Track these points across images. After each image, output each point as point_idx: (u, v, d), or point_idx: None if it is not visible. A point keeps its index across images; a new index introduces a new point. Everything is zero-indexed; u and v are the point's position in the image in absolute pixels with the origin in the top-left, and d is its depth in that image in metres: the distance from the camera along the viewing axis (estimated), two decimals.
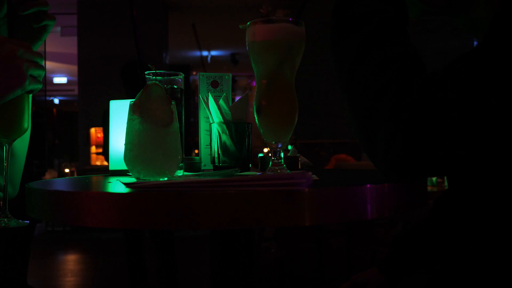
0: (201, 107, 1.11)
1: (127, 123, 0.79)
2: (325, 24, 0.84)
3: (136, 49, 0.85)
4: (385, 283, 1.04)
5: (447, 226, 0.93)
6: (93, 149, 6.75)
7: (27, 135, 1.03)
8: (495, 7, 0.74)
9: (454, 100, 0.63)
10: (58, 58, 9.63)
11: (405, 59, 0.70)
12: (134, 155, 0.77)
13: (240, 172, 0.95)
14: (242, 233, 0.89)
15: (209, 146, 1.08)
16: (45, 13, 0.90)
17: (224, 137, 0.97)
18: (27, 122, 0.89)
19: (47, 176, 6.51)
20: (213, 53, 10.66)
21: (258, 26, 0.76)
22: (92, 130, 6.75)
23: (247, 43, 0.78)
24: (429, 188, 3.57)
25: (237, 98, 1.04)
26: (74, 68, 7.90)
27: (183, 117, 1.02)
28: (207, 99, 1.02)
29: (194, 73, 11.78)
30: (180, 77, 1.02)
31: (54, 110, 16.21)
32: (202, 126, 1.11)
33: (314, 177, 0.79)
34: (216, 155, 0.98)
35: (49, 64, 9.98)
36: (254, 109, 0.78)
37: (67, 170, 7.59)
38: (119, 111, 1.05)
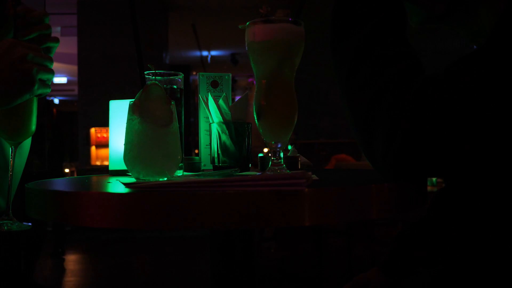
0: (201, 107, 1.11)
1: (127, 123, 0.79)
2: (325, 24, 0.84)
3: (136, 49, 0.85)
4: (386, 283, 1.04)
5: (444, 223, 0.93)
6: (93, 149, 6.75)
7: (25, 151, 1.02)
8: (497, 15, 0.74)
9: (454, 101, 0.63)
10: (58, 58, 9.63)
11: (404, 60, 0.70)
12: (133, 155, 0.77)
13: (240, 172, 0.95)
14: (242, 233, 0.89)
15: (209, 146, 1.08)
16: (48, 36, 0.91)
17: (224, 137, 0.97)
18: (34, 126, 0.89)
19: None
20: (213, 53, 10.66)
21: (258, 26, 0.76)
22: (92, 130, 6.75)
23: (246, 43, 0.78)
24: (429, 188, 3.56)
25: (237, 98, 1.04)
26: (74, 68, 7.91)
27: (183, 117, 1.02)
28: (207, 99, 1.02)
29: (194, 73, 11.78)
30: (180, 77, 1.02)
31: (54, 110, 16.19)
32: (202, 126, 1.11)
33: (314, 177, 0.79)
34: (216, 155, 0.98)
35: None
36: (254, 109, 0.78)
37: (67, 170, 7.59)
38: (119, 111, 1.05)
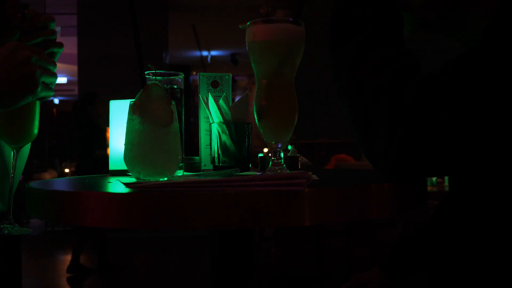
0: (201, 107, 1.11)
1: (127, 123, 0.79)
2: (325, 24, 0.84)
3: (136, 49, 0.85)
4: (386, 283, 1.04)
5: (448, 229, 0.93)
6: None
7: (25, 154, 1.01)
8: (487, 20, 0.75)
9: (452, 100, 0.63)
10: (58, 58, 9.61)
11: (401, 60, 0.71)
12: (134, 155, 0.77)
13: (240, 172, 0.95)
14: (242, 233, 0.89)
15: (209, 146, 1.08)
16: (53, 41, 0.91)
17: (224, 137, 0.97)
18: (36, 129, 0.89)
19: (47, 176, 6.51)
20: (213, 53, 10.67)
21: (258, 26, 0.76)
22: None
23: (247, 43, 0.78)
24: (429, 188, 3.56)
25: (237, 98, 1.04)
26: (74, 68, 7.90)
27: (183, 117, 1.02)
28: (207, 99, 1.02)
29: (194, 73, 11.78)
30: (180, 77, 1.02)
31: (54, 110, 16.19)
32: (202, 126, 1.11)
33: (314, 177, 0.79)
34: (216, 155, 0.98)
35: None
36: (254, 109, 0.78)
37: (67, 170, 7.58)
38: (119, 111, 1.05)
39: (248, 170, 1.00)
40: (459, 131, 0.63)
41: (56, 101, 15.86)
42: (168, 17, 7.67)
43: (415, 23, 0.86)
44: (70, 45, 7.90)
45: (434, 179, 3.74)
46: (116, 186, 0.76)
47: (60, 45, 0.92)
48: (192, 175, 0.93)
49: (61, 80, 12.40)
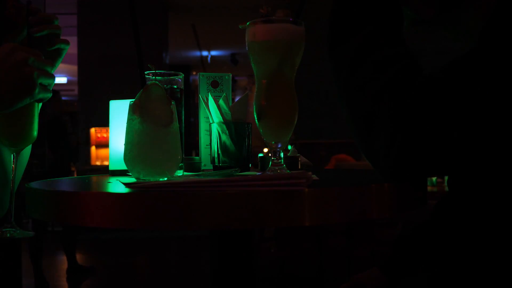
0: (201, 107, 1.11)
1: (127, 123, 0.79)
2: (325, 24, 0.84)
3: (136, 49, 0.85)
4: (385, 283, 1.04)
5: (447, 228, 0.93)
6: (93, 149, 6.75)
7: (25, 160, 1.01)
8: (484, 17, 0.75)
9: (453, 100, 0.63)
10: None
11: (401, 61, 0.71)
12: (134, 155, 0.77)
13: (240, 172, 0.95)
14: (242, 233, 0.89)
15: (209, 146, 1.08)
16: (58, 36, 0.90)
17: (224, 137, 0.97)
18: (36, 131, 0.89)
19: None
20: (213, 53, 10.66)
21: (258, 26, 0.76)
22: (92, 130, 6.74)
23: (247, 43, 0.78)
24: (429, 188, 3.56)
25: (237, 98, 1.04)
26: (74, 68, 7.90)
27: (183, 117, 1.02)
28: (207, 99, 1.02)
29: (194, 73, 11.78)
30: (180, 77, 1.02)
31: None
32: (202, 126, 1.11)
33: (314, 177, 0.79)
34: (216, 155, 0.98)
35: None
36: (254, 109, 0.78)
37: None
38: (119, 111, 1.05)
39: (248, 170, 1.00)
40: (459, 132, 0.63)
41: None
42: (168, 17, 7.67)
43: (413, 19, 0.86)
44: (70, 45, 7.90)
45: (434, 179, 3.74)
46: (116, 186, 0.76)
47: (67, 42, 0.92)
48: (192, 175, 0.93)
49: (61, 80, 12.39)
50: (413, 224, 1.07)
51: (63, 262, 4.69)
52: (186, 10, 7.86)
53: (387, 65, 0.71)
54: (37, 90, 0.81)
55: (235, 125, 0.98)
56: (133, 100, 0.80)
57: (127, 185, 0.68)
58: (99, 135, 6.72)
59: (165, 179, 0.77)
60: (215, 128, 0.99)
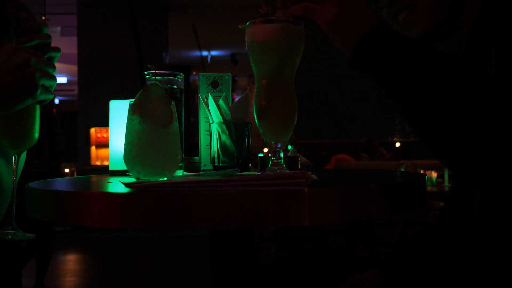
0: (201, 107, 1.11)
1: (127, 123, 0.79)
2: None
3: (136, 49, 0.85)
4: (383, 284, 1.04)
5: (451, 235, 0.93)
6: (93, 149, 6.75)
7: (21, 162, 1.00)
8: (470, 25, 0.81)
9: None
10: (58, 58, 9.61)
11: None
12: (133, 155, 0.77)
13: (240, 172, 0.95)
14: (242, 233, 0.89)
15: (209, 146, 1.08)
16: (49, 45, 0.90)
17: (224, 137, 0.97)
18: (37, 133, 0.89)
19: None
20: (213, 53, 10.67)
21: (258, 26, 0.76)
22: (92, 130, 6.75)
23: (246, 43, 0.78)
24: (429, 188, 3.56)
25: (237, 98, 1.04)
26: (74, 68, 7.90)
27: (183, 117, 1.02)
28: (207, 99, 1.02)
29: (194, 73, 11.78)
30: (180, 77, 1.02)
31: (54, 110, 16.17)
32: (202, 126, 1.11)
33: (314, 177, 0.79)
34: (216, 155, 0.98)
35: None
36: (254, 109, 0.78)
37: (67, 170, 7.58)
38: (119, 111, 1.05)
39: (248, 170, 1.00)
40: None
41: (56, 101, 15.86)
42: (168, 17, 7.67)
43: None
44: (70, 45, 7.91)
45: (434, 178, 3.74)
46: (116, 186, 0.76)
47: (58, 49, 0.91)
48: (192, 175, 0.93)
49: (61, 80, 12.40)
50: (413, 224, 1.07)
51: (63, 262, 4.69)
52: (186, 10, 7.86)
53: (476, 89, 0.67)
54: (39, 91, 0.81)
55: (235, 125, 0.98)
56: (133, 100, 0.80)
57: (127, 185, 0.68)
58: (99, 135, 6.73)
59: (165, 179, 0.77)
60: (215, 128, 0.99)
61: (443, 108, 0.66)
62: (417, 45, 0.70)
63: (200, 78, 1.13)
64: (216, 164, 0.99)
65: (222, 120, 0.99)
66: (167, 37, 7.58)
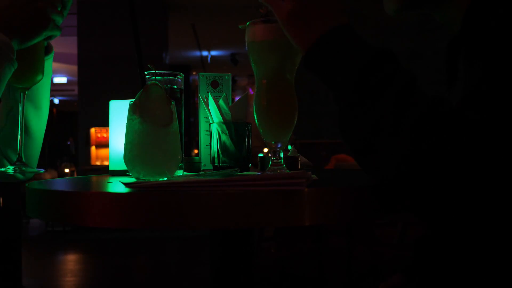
0: (201, 107, 1.11)
1: (127, 123, 0.79)
2: None
3: (136, 49, 0.85)
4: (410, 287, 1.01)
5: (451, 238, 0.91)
6: (93, 149, 6.75)
7: (44, 115, 1.05)
8: (467, 3, 0.75)
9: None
10: (58, 58, 9.62)
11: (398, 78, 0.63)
12: (134, 155, 0.77)
13: (240, 172, 0.95)
14: (242, 233, 0.89)
15: (209, 146, 1.08)
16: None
17: (224, 137, 0.97)
18: (41, 73, 0.93)
19: (47, 176, 6.50)
20: (213, 53, 10.66)
21: (258, 26, 0.76)
22: (92, 130, 6.74)
23: (246, 43, 0.78)
24: None
25: (237, 98, 1.04)
26: (74, 68, 7.90)
27: (183, 117, 1.02)
28: (207, 99, 1.02)
29: (194, 73, 11.78)
30: (180, 77, 1.02)
31: (54, 110, 16.20)
32: (202, 126, 1.11)
33: (314, 177, 0.79)
34: (215, 155, 0.98)
35: None
36: (254, 109, 0.78)
37: (67, 170, 7.58)
38: (119, 111, 1.05)
39: (248, 170, 1.00)
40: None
41: (56, 101, 15.86)
42: (168, 17, 7.67)
43: (398, 2, 0.84)
44: (70, 45, 7.91)
45: None
46: (116, 186, 0.76)
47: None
48: (192, 175, 0.93)
49: (61, 80, 12.40)
50: (413, 224, 1.05)
51: (63, 262, 4.69)
52: (186, 10, 7.86)
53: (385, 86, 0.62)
54: (51, 24, 0.86)
55: (235, 125, 0.98)
56: (133, 100, 0.80)
57: (127, 185, 0.68)
58: (99, 135, 6.73)
59: (165, 179, 0.77)
60: (214, 128, 0.99)
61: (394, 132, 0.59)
62: (381, 56, 0.63)
63: (200, 78, 1.13)
64: (216, 164, 0.99)
65: (222, 120, 0.99)
66: (167, 37, 7.58)
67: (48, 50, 0.97)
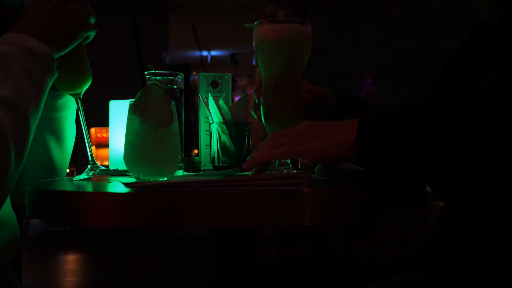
0: (201, 107, 1.11)
1: (127, 123, 0.79)
2: (325, 24, 0.84)
3: (136, 49, 0.85)
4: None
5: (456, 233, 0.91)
6: (93, 149, 6.74)
7: (68, 148, 1.07)
8: None
9: None
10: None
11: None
12: (133, 155, 0.77)
13: (240, 172, 0.95)
14: (242, 233, 0.89)
15: (209, 146, 1.08)
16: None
17: (224, 137, 0.97)
18: (89, 74, 0.93)
19: None
20: (213, 53, 10.66)
21: (267, 26, 0.77)
22: (92, 130, 6.74)
23: (254, 43, 0.78)
24: (428, 188, 3.55)
25: (237, 98, 1.04)
26: None
27: (183, 117, 1.02)
28: (207, 99, 1.02)
29: (194, 73, 11.77)
30: (180, 77, 1.02)
31: None
32: (202, 126, 1.11)
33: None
34: (215, 155, 0.98)
35: None
36: (262, 108, 0.79)
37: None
38: (119, 111, 1.05)
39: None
40: None
41: None
42: (168, 17, 7.67)
43: None
44: None
45: None
46: (116, 186, 0.76)
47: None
48: (192, 175, 0.93)
49: None
50: (413, 224, 1.05)
51: (63, 262, 4.69)
52: (186, 10, 7.85)
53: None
54: (85, 25, 0.84)
55: (235, 125, 0.98)
56: (133, 100, 0.80)
57: (127, 185, 0.68)
58: (99, 135, 6.72)
59: (165, 179, 0.77)
60: (214, 128, 0.99)
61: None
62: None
63: (200, 78, 1.13)
64: (216, 164, 0.99)
65: (222, 120, 0.99)
66: (167, 37, 7.58)
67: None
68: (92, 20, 0.87)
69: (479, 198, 0.67)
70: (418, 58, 6.45)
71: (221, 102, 0.99)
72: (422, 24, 6.49)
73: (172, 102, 0.80)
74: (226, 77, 1.14)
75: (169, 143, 0.78)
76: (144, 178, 0.77)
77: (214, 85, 1.13)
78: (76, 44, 0.84)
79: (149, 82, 0.80)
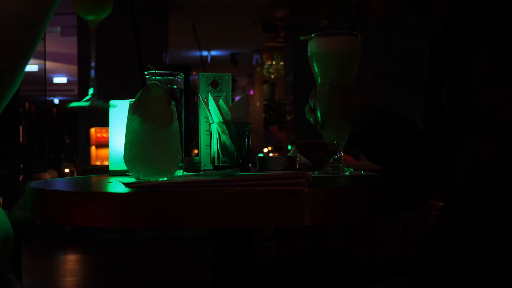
0: (201, 107, 1.11)
1: (127, 123, 0.79)
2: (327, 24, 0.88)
3: (136, 49, 0.85)
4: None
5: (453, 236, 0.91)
6: (93, 149, 6.75)
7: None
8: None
9: None
10: (58, 58, 9.62)
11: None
12: (133, 155, 0.77)
13: (240, 172, 0.95)
14: (242, 233, 0.89)
15: (209, 146, 1.08)
16: None
17: (224, 137, 0.97)
18: (112, 2, 0.89)
19: (47, 176, 6.50)
20: (213, 53, 10.66)
21: (322, 39, 0.86)
22: (92, 130, 6.74)
23: (309, 54, 0.87)
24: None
25: (237, 98, 1.04)
26: (74, 68, 7.91)
27: (183, 117, 1.02)
28: (207, 99, 1.02)
29: (194, 73, 11.78)
30: (180, 77, 1.02)
31: (54, 110, 16.21)
32: (202, 126, 1.11)
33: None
34: (215, 155, 0.98)
35: (49, 64, 9.97)
36: (318, 113, 0.88)
37: (67, 170, 7.58)
38: (119, 111, 1.05)
39: (248, 170, 1.00)
40: None
41: (56, 101, 15.86)
42: (168, 17, 7.67)
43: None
44: (70, 45, 7.91)
45: None
46: (116, 186, 0.76)
47: None
48: (192, 175, 0.93)
49: (61, 80, 12.40)
50: (413, 224, 1.05)
51: (64, 262, 4.69)
52: (186, 10, 7.85)
53: None
54: None
55: (235, 125, 0.98)
56: (133, 100, 0.80)
57: (127, 185, 0.68)
58: (99, 135, 6.72)
59: (165, 179, 0.77)
60: (214, 128, 0.99)
61: None
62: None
63: (200, 78, 1.13)
64: (216, 164, 0.99)
65: (222, 120, 0.99)
66: (167, 37, 7.58)
67: None
68: None
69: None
70: (418, 58, 6.46)
71: (221, 102, 0.99)
72: (422, 24, 6.49)
73: (172, 102, 0.80)
74: (226, 77, 1.14)
75: (169, 143, 0.78)
76: (144, 178, 0.77)
77: (214, 85, 1.13)
78: None
79: (149, 82, 0.80)
